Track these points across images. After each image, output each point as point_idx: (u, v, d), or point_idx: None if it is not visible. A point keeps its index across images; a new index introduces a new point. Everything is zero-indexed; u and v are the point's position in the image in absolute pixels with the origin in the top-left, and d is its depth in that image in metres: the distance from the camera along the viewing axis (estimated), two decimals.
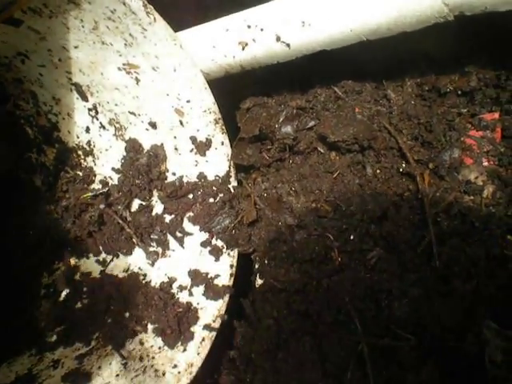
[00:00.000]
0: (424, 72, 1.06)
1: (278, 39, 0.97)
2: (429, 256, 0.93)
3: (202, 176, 1.13)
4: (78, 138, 1.28)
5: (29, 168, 1.31)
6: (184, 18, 1.25)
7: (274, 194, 1.07)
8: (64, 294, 1.27)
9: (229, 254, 1.10)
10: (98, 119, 1.21)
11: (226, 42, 1.03)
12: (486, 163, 0.99)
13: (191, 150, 1.12)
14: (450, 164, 0.98)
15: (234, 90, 1.21)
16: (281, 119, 1.07)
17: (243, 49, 1.02)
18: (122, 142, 1.21)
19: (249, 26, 1.00)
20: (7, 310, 1.22)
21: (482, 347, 0.86)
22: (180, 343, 1.05)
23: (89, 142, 1.25)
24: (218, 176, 1.11)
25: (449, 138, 1.00)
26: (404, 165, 1.00)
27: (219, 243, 1.11)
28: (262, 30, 0.98)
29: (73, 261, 1.30)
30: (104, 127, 1.22)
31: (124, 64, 1.08)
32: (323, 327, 0.97)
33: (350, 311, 0.94)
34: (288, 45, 0.97)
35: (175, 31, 1.10)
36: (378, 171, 1.03)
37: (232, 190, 1.10)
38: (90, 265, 1.31)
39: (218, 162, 1.11)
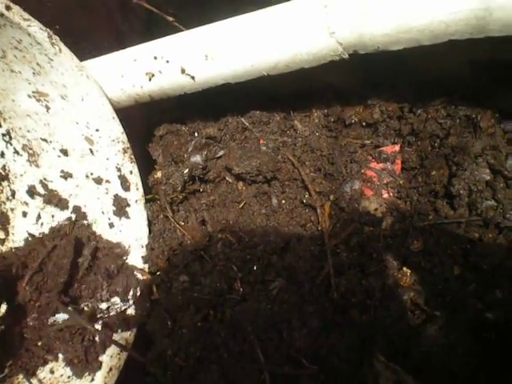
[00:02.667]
0: (331, 103, 1.08)
1: (183, 71, 0.97)
2: (327, 287, 0.95)
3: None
4: None
5: None
6: (102, 44, 1.25)
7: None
8: None
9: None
10: (11, 144, 1.19)
11: (133, 72, 1.03)
12: (385, 195, 1.01)
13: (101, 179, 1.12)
14: (351, 196, 1.00)
15: (149, 115, 1.22)
16: (190, 149, 1.07)
17: (150, 79, 1.02)
18: (36, 168, 1.20)
19: (155, 58, 1.00)
20: None
21: (375, 379, 0.88)
22: (88, 373, 1.05)
23: (4, 167, 1.24)
24: None
25: (350, 170, 1.02)
26: (307, 196, 1.02)
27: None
28: (167, 61, 0.99)
29: None
30: (18, 153, 1.20)
31: (34, 92, 1.07)
32: (229, 356, 0.98)
33: (253, 341, 0.95)
34: (193, 77, 0.98)
35: (93, 56, 1.09)
36: (283, 201, 1.04)
37: None
38: None
39: None
